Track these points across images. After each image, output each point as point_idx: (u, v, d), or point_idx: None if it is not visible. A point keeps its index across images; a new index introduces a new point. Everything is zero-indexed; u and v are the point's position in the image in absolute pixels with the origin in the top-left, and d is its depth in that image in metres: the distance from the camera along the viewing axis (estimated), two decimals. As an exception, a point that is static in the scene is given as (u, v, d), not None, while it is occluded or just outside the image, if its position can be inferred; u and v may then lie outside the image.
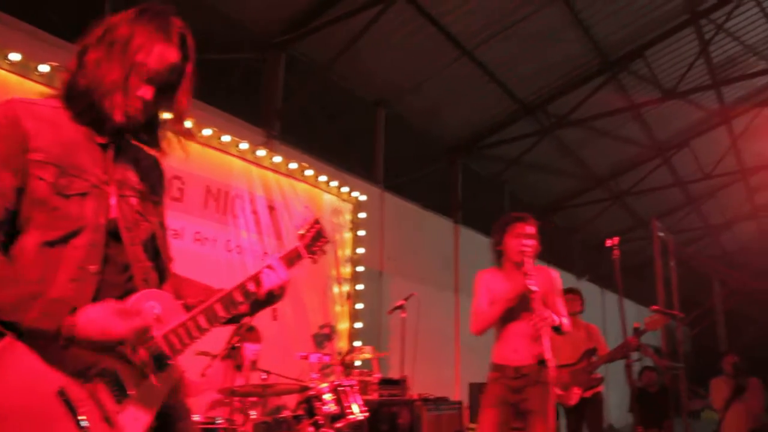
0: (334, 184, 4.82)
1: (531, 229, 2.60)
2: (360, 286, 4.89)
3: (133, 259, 1.11)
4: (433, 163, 7.03)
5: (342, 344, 4.56)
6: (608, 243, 2.92)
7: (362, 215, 5.08)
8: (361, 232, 5.03)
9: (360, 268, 4.94)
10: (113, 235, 1.11)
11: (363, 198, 5.10)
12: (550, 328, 2.53)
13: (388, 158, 6.15)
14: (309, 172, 4.56)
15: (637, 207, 10.65)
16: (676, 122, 8.50)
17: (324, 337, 3.87)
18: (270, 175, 4.28)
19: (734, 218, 11.65)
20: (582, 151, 8.47)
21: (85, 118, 1.12)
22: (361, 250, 4.99)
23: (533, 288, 2.44)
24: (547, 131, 7.43)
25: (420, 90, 6.04)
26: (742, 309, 13.11)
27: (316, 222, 1.38)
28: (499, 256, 2.69)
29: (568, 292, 4.06)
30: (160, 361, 1.09)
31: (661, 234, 9.33)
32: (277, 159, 4.35)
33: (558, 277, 2.72)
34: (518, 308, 2.56)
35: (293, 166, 4.48)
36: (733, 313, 13.48)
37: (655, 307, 3.81)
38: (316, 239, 1.36)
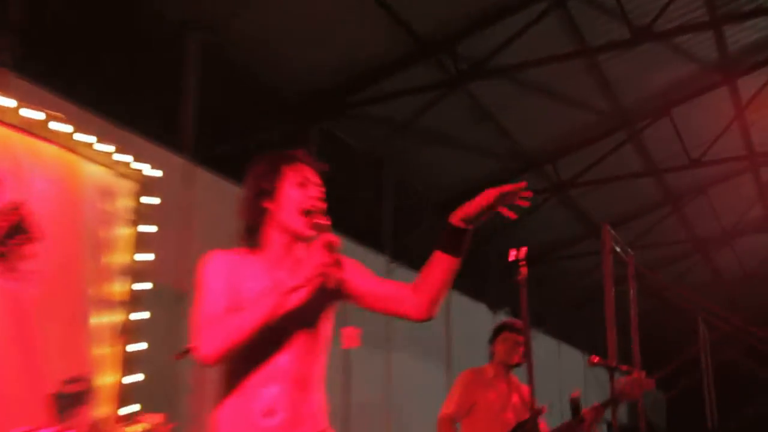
0: (104, 147, 4.64)
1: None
2: (142, 314, 4.70)
3: None
4: (275, 126, 7.00)
5: (105, 410, 4.36)
6: (512, 256, 2.89)
7: (152, 200, 4.88)
8: (149, 228, 4.86)
9: (144, 285, 4.74)
10: None
11: (156, 173, 4.88)
12: None
13: (204, 114, 6.00)
14: (59, 126, 4.32)
15: (591, 205, 11.46)
16: (652, 79, 9.14)
17: (71, 399, 3.74)
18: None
19: (737, 227, 13.00)
20: (506, 115, 8.82)
21: None
22: (147, 257, 4.80)
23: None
24: (455, 83, 7.69)
25: (256, 8, 5.98)
26: (743, 363, 14.62)
27: (15, 209, 1.24)
28: None
29: (501, 331, 4.42)
30: None
31: (618, 249, 10.15)
32: (7, 102, 4.07)
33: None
34: None
35: (34, 114, 4.21)
36: (731, 369, 14.98)
37: (595, 359, 3.92)
38: (10, 236, 1.22)
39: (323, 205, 2.22)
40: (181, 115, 6.06)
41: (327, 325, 2.24)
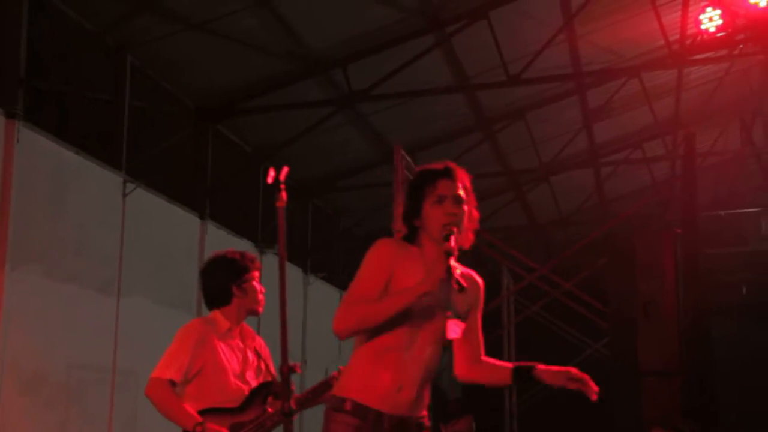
0: None
1: None
2: None
3: None
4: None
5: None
6: (270, 177, 3.11)
7: None
8: None
9: None
10: None
11: None
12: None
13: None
14: None
15: (386, 124, 11.44)
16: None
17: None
18: None
19: (557, 161, 13.48)
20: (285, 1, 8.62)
21: None
22: None
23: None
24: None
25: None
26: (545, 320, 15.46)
27: None
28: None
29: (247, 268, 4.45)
30: None
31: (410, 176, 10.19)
32: None
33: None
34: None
35: None
36: (534, 326, 15.82)
37: None
38: None
39: (456, 219, 3.22)
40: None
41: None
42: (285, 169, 3.13)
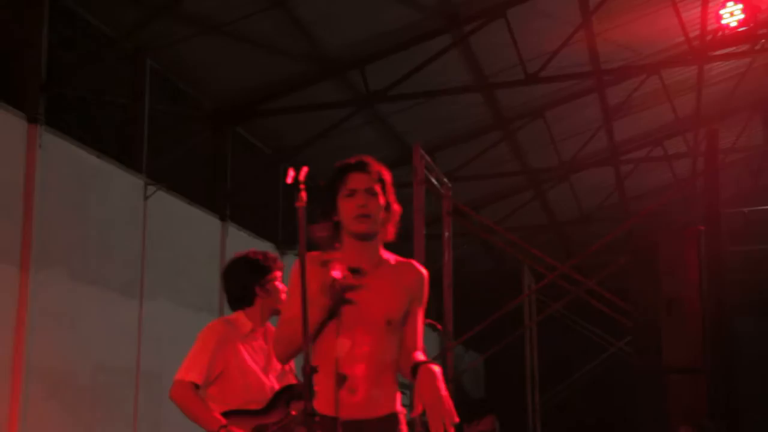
0: None
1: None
2: None
3: None
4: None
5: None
6: (290, 177, 2.98)
7: None
8: None
9: None
10: None
11: None
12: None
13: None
14: None
15: (404, 125, 11.46)
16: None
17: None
18: None
19: (577, 160, 13.44)
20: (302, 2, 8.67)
21: None
22: None
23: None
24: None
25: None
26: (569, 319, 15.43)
27: None
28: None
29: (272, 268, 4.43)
30: None
31: (432, 179, 10.22)
32: None
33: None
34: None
35: None
36: (557, 326, 15.80)
37: None
38: None
39: (367, 211, 3.20)
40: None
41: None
42: (304, 169, 3.03)
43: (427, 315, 6.69)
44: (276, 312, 4.43)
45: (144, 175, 8.58)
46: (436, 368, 3.06)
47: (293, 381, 4.40)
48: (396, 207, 3.32)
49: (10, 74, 7.38)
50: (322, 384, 3.04)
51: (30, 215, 6.92)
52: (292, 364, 4.52)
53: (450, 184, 10.16)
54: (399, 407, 3.27)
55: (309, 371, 2.93)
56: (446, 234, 10.02)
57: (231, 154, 10.35)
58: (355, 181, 3.25)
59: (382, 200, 3.24)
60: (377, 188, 3.24)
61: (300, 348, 3.03)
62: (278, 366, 4.40)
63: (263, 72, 9.64)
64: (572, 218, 15.93)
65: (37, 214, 6.95)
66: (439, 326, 4.73)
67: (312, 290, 3.01)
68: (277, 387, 4.35)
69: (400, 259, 3.36)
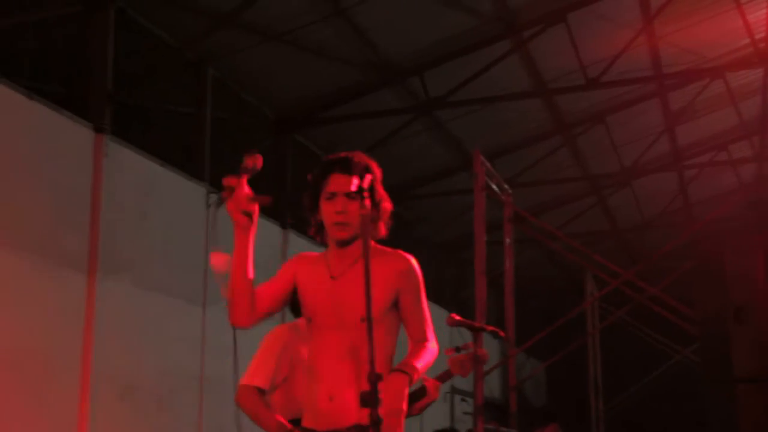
0: None
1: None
2: None
3: None
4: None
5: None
6: (354, 185, 2.98)
7: None
8: None
9: None
10: None
11: None
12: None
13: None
14: None
15: (464, 131, 11.45)
16: None
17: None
18: None
19: (638, 165, 13.28)
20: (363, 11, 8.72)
21: None
22: None
23: None
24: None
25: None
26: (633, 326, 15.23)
27: None
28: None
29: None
30: None
31: (493, 186, 10.19)
32: None
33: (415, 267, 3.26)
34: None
35: None
36: (620, 333, 15.60)
37: (455, 317, 4.07)
38: None
39: (344, 218, 3.12)
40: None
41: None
42: (368, 178, 3.08)
43: (488, 322, 6.72)
44: None
45: (206, 183, 8.68)
46: (405, 378, 2.97)
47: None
48: (386, 204, 3.22)
49: (77, 85, 7.55)
50: (307, 392, 3.10)
51: (96, 223, 7.05)
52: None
53: (510, 191, 10.12)
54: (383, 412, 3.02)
55: (374, 378, 2.93)
56: (507, 240, 9.97)
57: (291, 162, 10.43)
58: (336, 183, 3.13)
59: (367, 202, 3.02)
60: (358, 189, 2.98)
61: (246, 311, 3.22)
62: None
63: (323, 80, 9.71)
64: (634, 224, 15.73)
65: (103, 222, 7.09)
66: (502, 333, 4.67)
67: (312, 275, 3.17)
68: None
69: (387, 250, 3.22)
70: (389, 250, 3.24)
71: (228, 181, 3.04)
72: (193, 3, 8.03)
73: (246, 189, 3.05)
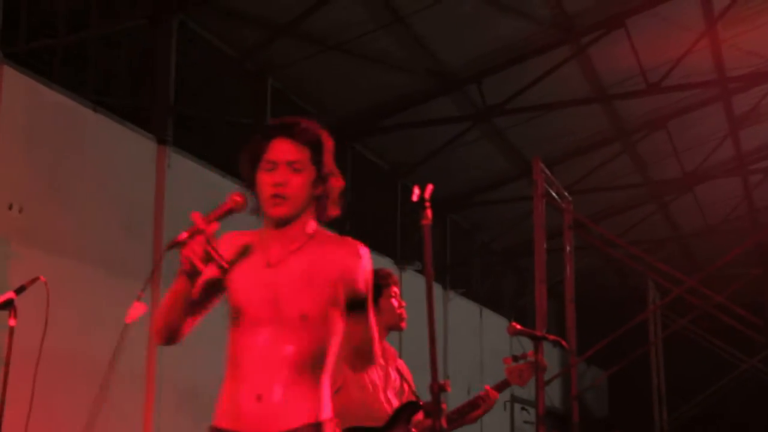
0: None
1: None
2: None
3: None
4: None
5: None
6: (415, 195, 2.80)
7: None
8: None
9: None
10: None
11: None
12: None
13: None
14: None
15: (522, 138, 11.43)
16: None
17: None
18: None
19: (701, 170, 13.14)
20: (421, 19, 8.76)
21: None
22: None
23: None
24: None
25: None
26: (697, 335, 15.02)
27: None
28: None
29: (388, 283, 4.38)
30: None
31: (553, 193, 10.12)
32: None
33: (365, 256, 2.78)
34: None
35: None
36: (684, 341, 15.40)
37: (516, 326, 4.10)
38: None
39: (284, 191, 2.66)
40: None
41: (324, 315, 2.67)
42: (429, 187, 2.85)
43: (548, 330, 6.68)
44: (394, 328, 4.46)
45: (268, 193, 8.79)
46: None
47: (412, 398, 4.42)
48: (336, 181, 2.75)
49: (140, 97, 7.72)
50: (226, 391, 2.73)
51: (160, 234, 7.18)
52: (411, 380, 4.54)
53: (570, 198, 10.06)
54: (324, 416, 2.67)
55: (437, 389, 2.91)
56: (567, 248, 9.91)
57: (350, 171, 10.51)
58: (277, 150, 2.66)
59: (311, 175, 2.67)
60: (307, 159, 2.67)
61: (173, 320, 2.81)
62: (396, 383, 4.43)
63: (382, 88, 9.78)
64: (697, 231, 15.51)
65: (166, 233, 7.21)
66: (564, 343, 4.66)
67: (246, 257, 2.74)
68: (396, 404, 4.35)
69: (333, 237, 2.79)
70: (336, 237, 2.82)
71: (198, 221, 2.64)
72: (253, 14, 8.16)
73: (211, 239, 2.64)
